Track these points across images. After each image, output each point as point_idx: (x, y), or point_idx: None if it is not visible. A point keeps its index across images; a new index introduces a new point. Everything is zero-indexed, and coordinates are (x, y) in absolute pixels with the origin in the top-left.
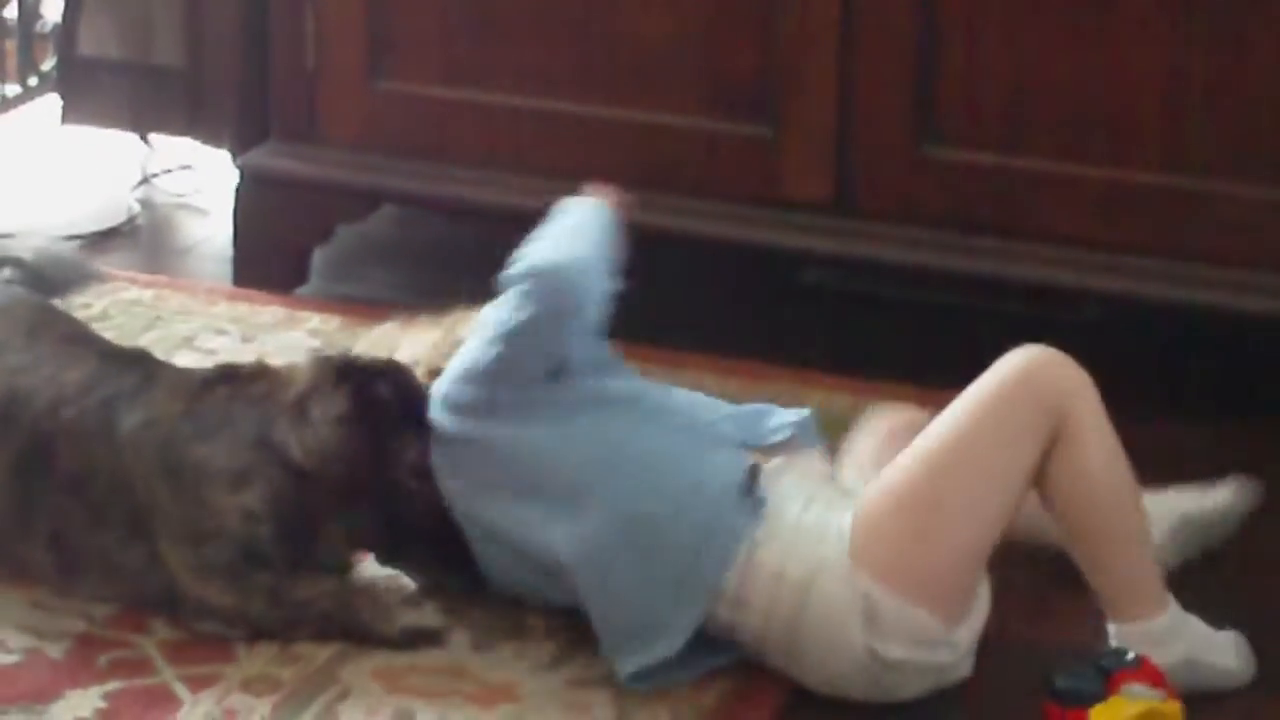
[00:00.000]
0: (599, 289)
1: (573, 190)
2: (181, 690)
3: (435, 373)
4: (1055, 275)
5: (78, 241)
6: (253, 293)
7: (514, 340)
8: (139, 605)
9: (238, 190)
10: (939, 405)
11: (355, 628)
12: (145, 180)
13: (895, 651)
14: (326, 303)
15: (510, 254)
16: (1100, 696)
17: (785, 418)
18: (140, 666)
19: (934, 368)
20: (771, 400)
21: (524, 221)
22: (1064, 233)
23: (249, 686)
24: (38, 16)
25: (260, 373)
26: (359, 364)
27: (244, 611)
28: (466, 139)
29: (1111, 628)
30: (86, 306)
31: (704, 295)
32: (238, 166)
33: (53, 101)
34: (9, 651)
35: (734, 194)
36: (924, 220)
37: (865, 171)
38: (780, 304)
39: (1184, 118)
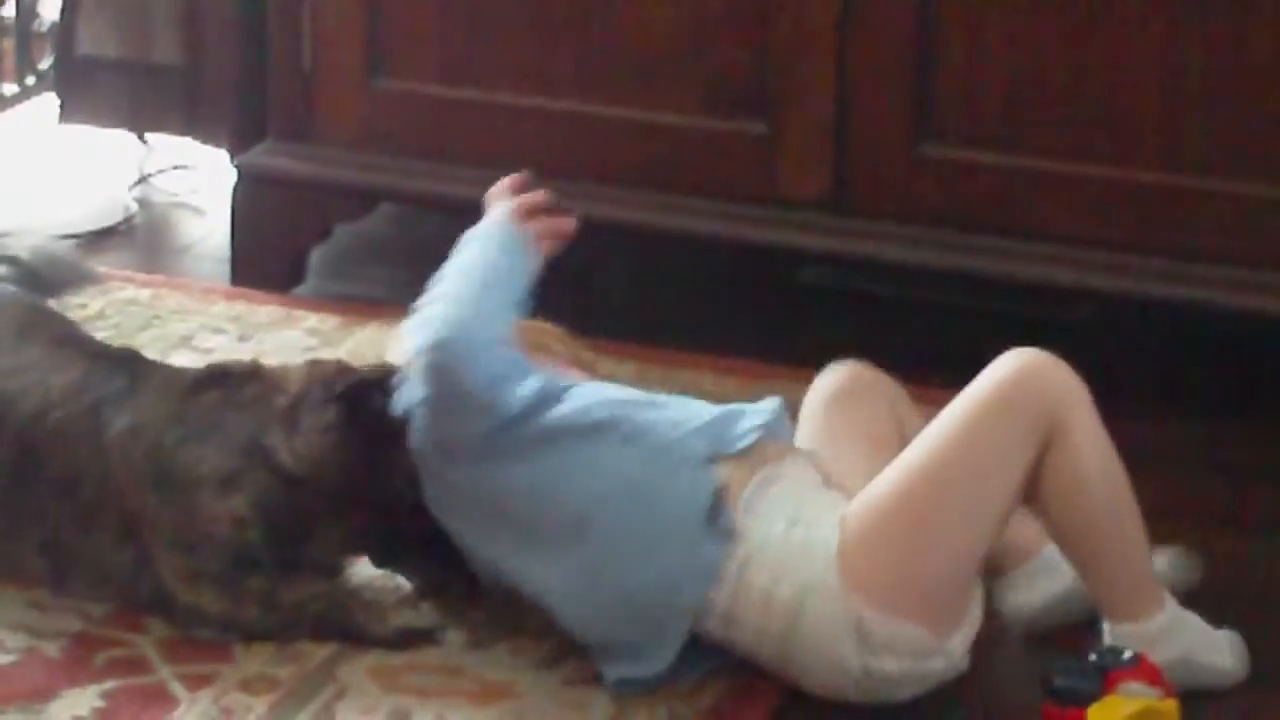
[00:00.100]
0: (497, 339)
1: (571, 188)
2: (179, 689)
3: None
4: (1054, 274)
5: (75, 240)
6: (250, 292)
7: (432, 412)
8: (132, 607)
9: (235, 189)
10: (937, 404)
11: (349, 630)
12: (143, 179)
13: (889, 666)
14: (324, 302)
15: None
16: (1097, 695)
17: (753, 420)
18: (137, 665)
19: (932, 366)
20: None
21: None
22: (1062, 231)
23: (246, 685)
24: (35, 15)
25: (252, 375)
26: (352, 373)
27: (237, 617)
28: (464, 138)
29: (1107, 627)
30: (83, 306)
31: (701, 294)
32: (235, 166)
33: (50, 100)
34: (6, 651)
35: (731, 192)
36: (922, 219)
37: (863, 170)
38: (777, 302)
39: (1182, 116)
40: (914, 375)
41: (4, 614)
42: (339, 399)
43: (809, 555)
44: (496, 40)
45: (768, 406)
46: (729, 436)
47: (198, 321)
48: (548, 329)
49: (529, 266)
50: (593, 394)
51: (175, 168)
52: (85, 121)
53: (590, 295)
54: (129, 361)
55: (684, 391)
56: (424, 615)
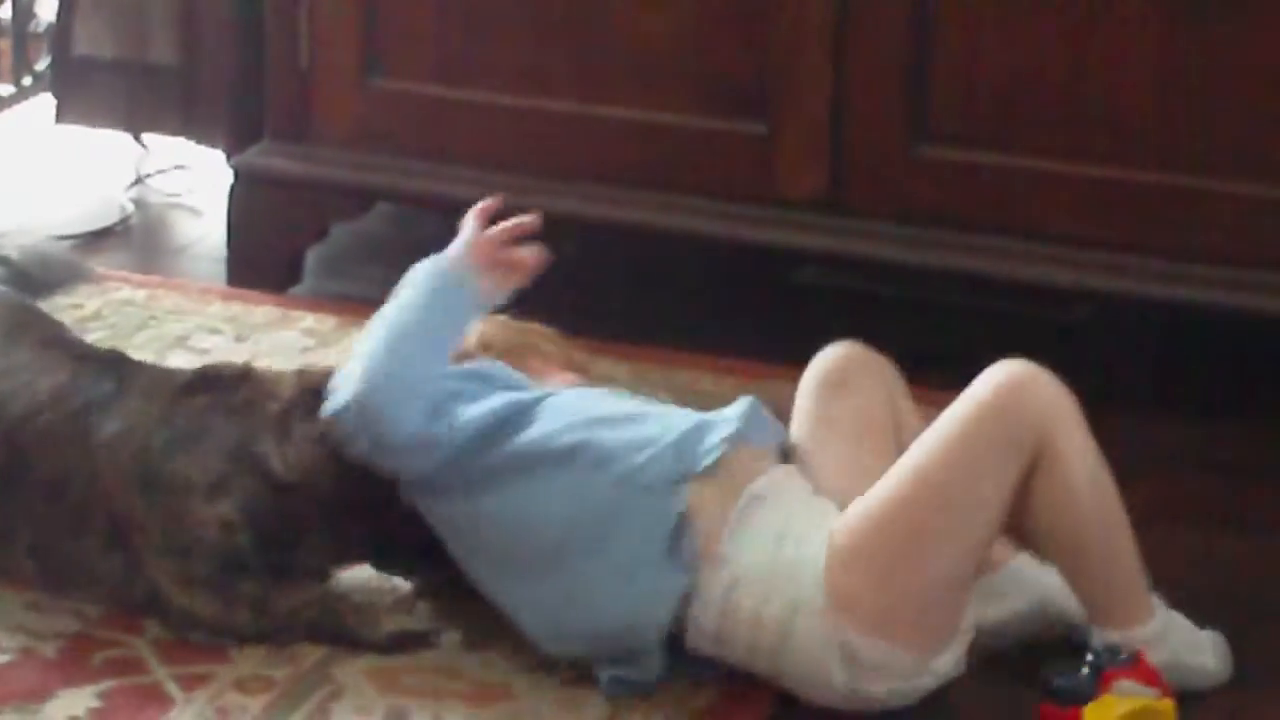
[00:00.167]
0: (420, 384)
1: (569, 188)
2: (174, 690)
3: None
4: (1051, 274)
5: (71, 241)
6: (247, 292)
7: (372, 461)
8: (125, 610)
9: (232, 190)
10: (933, 404)
11: (342, 635)
12: (139, 180)
13: (875, 687)
14: (321, 302)
15: None
16: (1093, 695)
17: (720, 432)
18: (133, 666)
19: (929, 366)
20: (766, 399)
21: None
22: (1060, 231)
23: (242, 686)
24: (32, 16)
25: (243, 379)
26: None
27: (229, 622)
28: (461, 137)
29: (1097, 633)
30: (79, 306)
31: (698, 293)
32: (232, 166)
33: (47, 101)
34: (2, 651)
35: (729, 192)
36: (919, 219)
37: (861, 170)
38: (774, 302)
39: (1181, 116)
40: (911, 375)
41: (1, 615)
42: None
43: (797, 574)
44: (493, 40)
45: (736, 413)
46: (694, 455)
47: (194, 322)
48: (539, 330)
49: (467, 308)
50: (564, 412)
51: (172, 168)
52: (81, 122)
53: (588, 295)
54: (116, 363)
55: (681, 391)
56: (418, 618)
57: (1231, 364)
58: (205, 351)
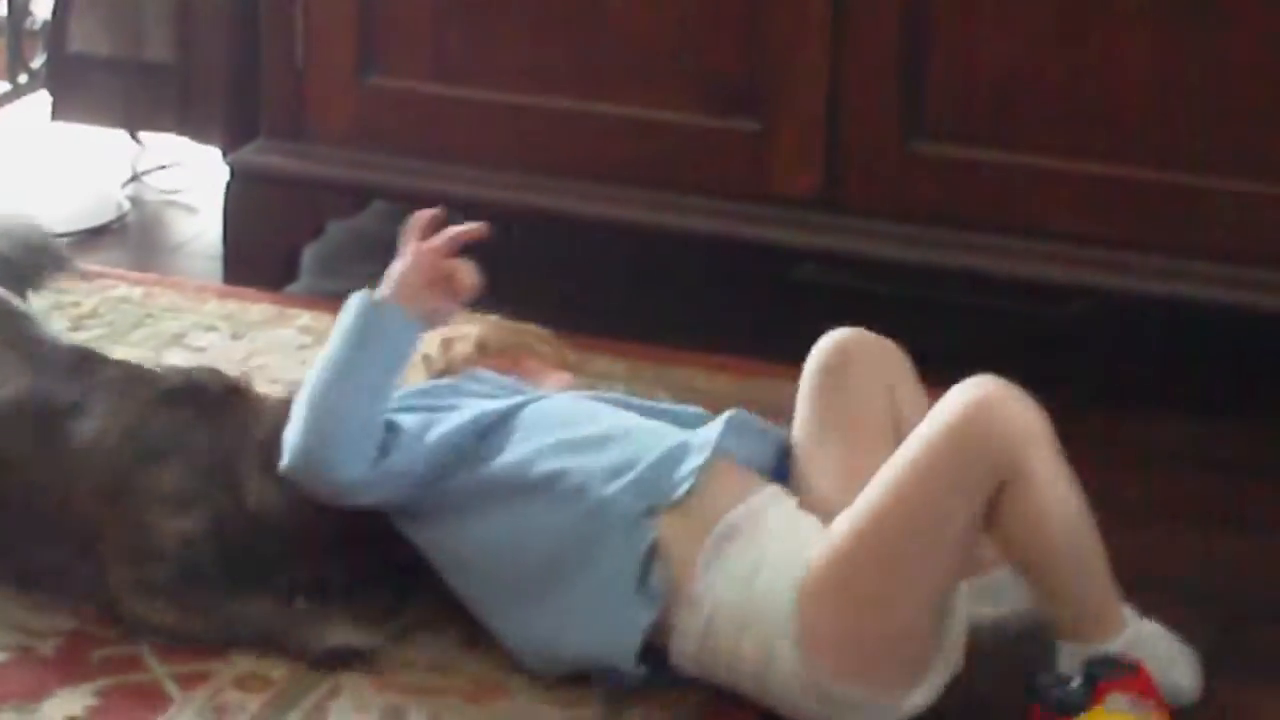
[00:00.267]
0: (363, 426)
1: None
2: (172, 688)
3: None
4: (1049, 271)
5: (67, 238)
6: (243, 290)
7: (343, 503)
8: (98, 614)
9: (228, 187)
10: (932, 401)
11: (286, 647)
12: (135, 177)
13: (853, 718)
14: (317, 300)
15: (501, 253)
16: (1086, 707)
17: (695, 460)
18: (131, 664)
19: (926, 364)
20: (762, 398)
21: (516, 218)
22: (1058, 228)
23: (240, 684)
24: (28, 13)
25: (230, 395)
26: None
27: (184, 629)
28: (457, 135)
29: (1065, 647)
30: (76, 305)
31: (694, 291)
32: (228, 163)
33: (43, 98)
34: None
35: (725, 190)
36: (915, 216)
37: (856, 167)
38: (770, 300)
39: (1179, 112)
40: None
41: None
42: None
43: (769, 608)
44: (489, 37)
45: (712, 434)
46: (666, 486)
47: (190, 319)
48: (531, 330)
49: (401, 342)
50: (540, 429)
51: (168, 166)
52: (78, 119)
53: (585, 292)
54: (88, 367)
55: (678, 388)
56: (361, 634)
57: (1231, 361)
58: (201, 349)
